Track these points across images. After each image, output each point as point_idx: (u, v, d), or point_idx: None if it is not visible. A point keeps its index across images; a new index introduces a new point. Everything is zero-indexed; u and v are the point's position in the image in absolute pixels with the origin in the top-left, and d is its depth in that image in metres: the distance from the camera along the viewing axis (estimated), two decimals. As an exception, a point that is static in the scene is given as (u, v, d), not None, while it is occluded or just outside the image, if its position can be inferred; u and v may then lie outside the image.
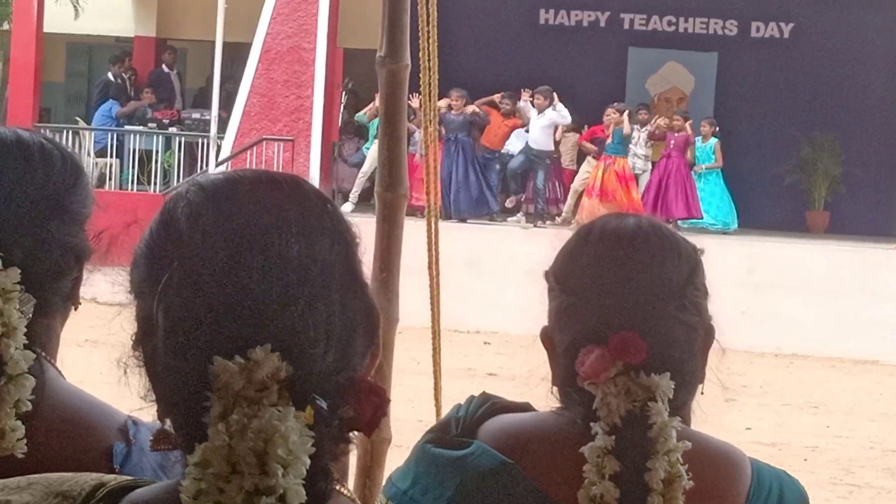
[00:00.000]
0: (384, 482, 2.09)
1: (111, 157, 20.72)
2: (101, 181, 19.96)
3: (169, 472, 1.71)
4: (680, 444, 1.86)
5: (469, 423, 2.01)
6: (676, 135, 19.22)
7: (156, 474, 1.77)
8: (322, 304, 1.34)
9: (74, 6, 22.29)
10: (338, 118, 21.67)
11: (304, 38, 19.55)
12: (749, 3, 21.25)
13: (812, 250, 17.94)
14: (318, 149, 19.54)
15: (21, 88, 20.66)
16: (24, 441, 1.71)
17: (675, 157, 19.18)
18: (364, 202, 18.54)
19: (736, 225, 19.34)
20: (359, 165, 20.01)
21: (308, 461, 1.29)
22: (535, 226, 18.62)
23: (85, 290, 1.92)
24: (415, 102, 13.88)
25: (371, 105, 18.33)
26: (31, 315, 1.77)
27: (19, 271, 1.76)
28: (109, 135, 21.01)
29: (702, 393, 2.00)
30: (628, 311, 1.92)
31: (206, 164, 19.84)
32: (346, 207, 18.16)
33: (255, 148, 19.24)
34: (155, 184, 20.42)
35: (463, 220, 18.48)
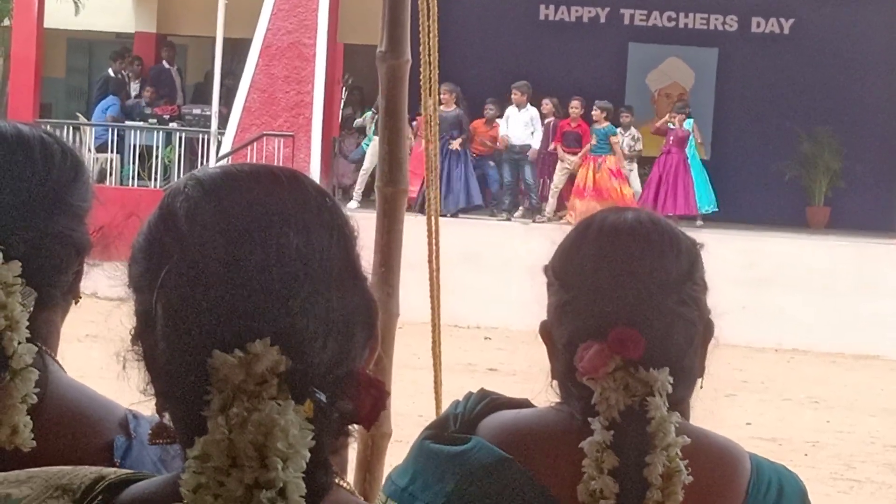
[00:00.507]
0: (384, 480, 2.09)
1: (112, 152, 20.71)
2: (102, 177, 19.96)
3: (169, 466, 1.71)
4: (679, 439, 1.86)
5: (468, 419, 2.01)
6: (676, 129, 19.25)
7: (156, 468, 1.77)
8: (321, 297, 1.34)
9: (75, 2, 22.29)
10: (338, 114, 21.67)
11: (305, 34, 19.55)
12: (749, -2, 21.26)
13: (812, 246, 17.94)
14: (319, 144, 19.53)
15: (22, 84, 20.66)
16: (32, 436, 1.71)
17: (674, 153, 19.20)
18: (364, 198, 18.54)
19: (716, 207, 19.24)
20: (358, 162, 19.99)
21: (308, 454, 1.29)
22: (533, 221, 18.63)
23: (85, 285, 1.92)
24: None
25: (371, 115, 18.48)
26: (31, 309, 1.77)
27: (20, 265, 1.76)
28: (110, 130, 20.99)
29: (701, 387, 2.00)
30: (627, 305, 1.91)
31: (207, 160, 19.82)
32: (352, 205, 18.17)
33: (255, 143, 19.23)
34: (155, 179, 20.42)
35: (454, 216, 18.44)
